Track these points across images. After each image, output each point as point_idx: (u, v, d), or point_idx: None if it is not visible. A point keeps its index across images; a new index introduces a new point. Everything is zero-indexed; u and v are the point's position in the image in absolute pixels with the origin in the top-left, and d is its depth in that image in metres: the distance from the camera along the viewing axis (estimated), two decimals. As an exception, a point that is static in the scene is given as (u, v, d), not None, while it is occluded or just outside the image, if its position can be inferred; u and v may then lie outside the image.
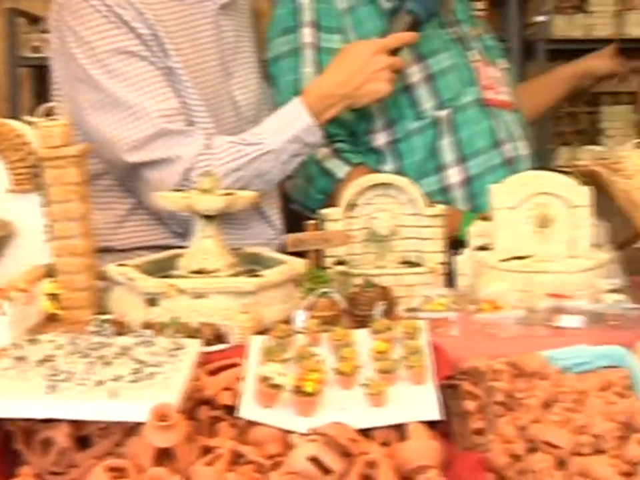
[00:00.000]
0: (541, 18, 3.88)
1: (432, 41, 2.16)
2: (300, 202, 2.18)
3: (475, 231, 1.69)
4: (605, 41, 3.97)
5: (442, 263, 1.69)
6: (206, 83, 1.97)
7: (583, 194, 1.61)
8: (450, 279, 1.71)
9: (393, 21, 2.01)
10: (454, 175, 2.14)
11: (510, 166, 2.16)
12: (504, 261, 1.59)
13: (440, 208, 1.69)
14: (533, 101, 2.48)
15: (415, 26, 1.99)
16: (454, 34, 2.24)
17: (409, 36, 1.98)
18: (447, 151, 2.14)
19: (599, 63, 2.60)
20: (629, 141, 3.79)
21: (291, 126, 1.88)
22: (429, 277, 1.66)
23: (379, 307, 1.43)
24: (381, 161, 2.15)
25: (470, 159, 2.14)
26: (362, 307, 1.49)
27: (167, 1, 1.92)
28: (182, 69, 1.90)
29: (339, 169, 2.08)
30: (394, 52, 1.96)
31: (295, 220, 2.03)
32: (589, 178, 1.64)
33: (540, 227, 1.62)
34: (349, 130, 2.15)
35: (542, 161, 3.52)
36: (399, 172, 2.11)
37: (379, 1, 2.16)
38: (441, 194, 2.12)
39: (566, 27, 3.94)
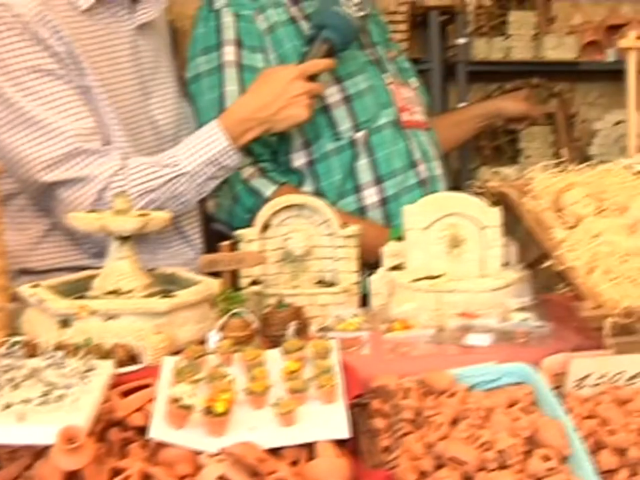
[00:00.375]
0: (461, 41, 3.94)
1: (350, 63, 2.20)
2: (224, 221, 2.19)
3: (389, 251, 1.72)
4: (524, 64, 4.10)
5: (356, 283, 1.71)
6: (123, 102, 1.97)
7: (493, 215, 1.65)
8: (365, 298, 1.74)
9: (310, 47, 2.04)
10: (371, 196, 2.18)
11: (425, 186, 2.21)
12: (415, 280, 1.62)
13: (353, 228, 1.72)
14: (443, 136, 2.53)
15: (331, 53, 2.03)
16: (371, 56, 2.29)
17: (326, 63, 2.02)
18: (364, 171, 2.18)
19: (512, 105, 2.68)
20: (546, 161, 3.87)
21: (207, 148, 1.90)
22: (343, 296, 1.68)
23: (292, 327, 1.45)
24: (300, 182, 2.17)
25: (386, 180, 2.18)
26: (275, 327, 1.51)
27: (83, 20, 1.92)
28: (98, 88, 1.90)
29: (266, 187, 2.11)
30: (312, 77, 2.00)
31: (219, 239, 2.04)
32: (499, 199, 1.68)
33: (451, 247, 1.66)
34: (272, 150, 2.18)
35: (462, 180, 3.60)
36: (318, 192, 2.14)
37: (299, 23, 2.19)
38: (359, 214, 2.15)
39: (486, 49, 4.01)
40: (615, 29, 4.27)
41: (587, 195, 1.62)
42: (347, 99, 2.18)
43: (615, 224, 1.56)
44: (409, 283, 1.61)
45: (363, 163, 2.18)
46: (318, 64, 2.00)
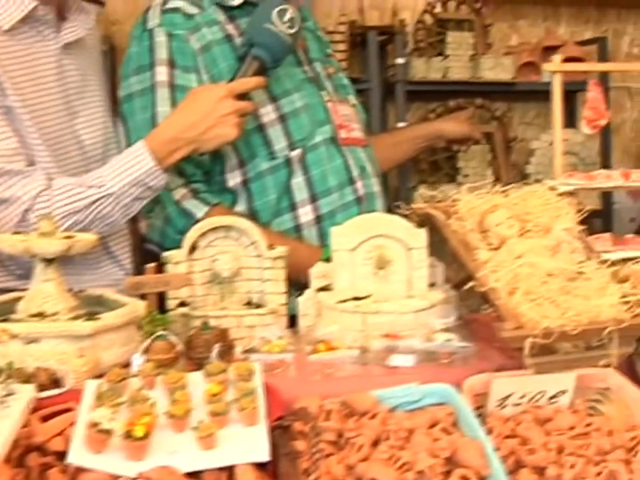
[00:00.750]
0: (400, 60, 3.99)
1: (285, 81, 2.21)
2: (157, 242, 2.18)
3: (316, 272, 1.74)
4: (461, 83, 4.15)
5: (284, 304, 1.72)
6: (48, 122, 1.96)
7: (419, 236, 1.68)
8: (295, 318, 1.75)
9: (240, 65, 2.04)
10: (306, 214, 2.19)
11: (363, 203, 2.23)
12: (342, 302, 1.64)
13: (281, 250, 1.73)
14: (382, 155, 2.55)
15: (262, 70, 2.04)
16: (308, 73, 2.30)
17: (256, 81, 2.01)
18: (299, 189, 2.19)
19: (453, 126, 2.72)
20: (483, 180, 3.92)
21: (133, 169, 1.89)
22: (271, 318, 1.69)
23: (216, 350, 1.45)
24: (235, 201, 2.18)
25: (321, 198, 2.19)
26: (199, 350, 1.51)
27: (5, 40, 1.91)
28: (21, 108, 1.89)
29: (198, 208, 2.11)
30: (243, 96, 2.00)
31: (152, 260, 2.03)
32: (425, 220, 1.70)
33: (378, 268, 1.68)
34: (205, 170, 2.18)
35: (401, 198, 3.62)
36: (252, 212, 2.15)
37: (235, 41, 2.19)
38: (295, 232, 2.17)
39: (424, 69, 4.06)
40: (551, 50, 4.35)
41: (511, 216, 1.65)
42: (282, 118, 2.19)
43: (537, 245, 1.59)
44: (335, 304, 1.63)
45: (298, 181, 2.19)
46: (247, 82, 2.00)
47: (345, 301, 1.65)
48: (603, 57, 4.32)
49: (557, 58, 1.90)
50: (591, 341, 1.47)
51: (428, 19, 4.24)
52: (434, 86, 4.14)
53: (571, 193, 1.79)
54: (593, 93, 1.89)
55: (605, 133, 4.30)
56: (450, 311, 1.66)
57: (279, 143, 2.18)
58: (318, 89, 2.30)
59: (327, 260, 1.73)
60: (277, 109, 2.19)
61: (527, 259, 1.53)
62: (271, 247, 1.73)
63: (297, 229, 2.18)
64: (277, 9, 2.04)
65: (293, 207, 2.20)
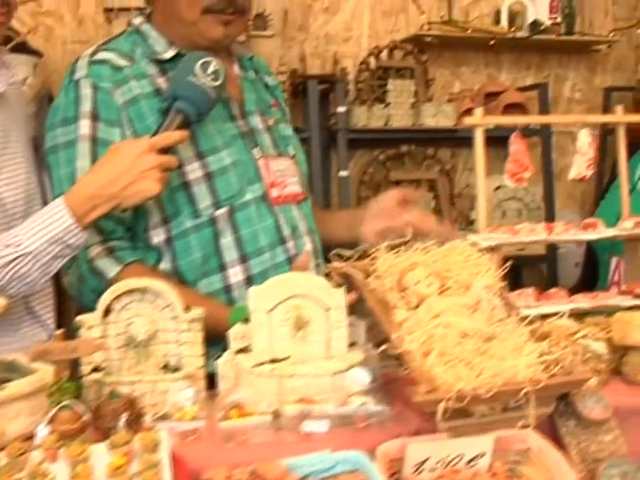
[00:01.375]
0: (341, 109, 4.00)
1: (214, 136, 2.18)
2: (77, 299, 2.14)
3: (235, 333, 1.71)
4: (403, 131, 4.18)
5: (201, 367, 1.69)
6: None
7: (337, 296, 1.65)
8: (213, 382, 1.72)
9: (164, 119, 2.02)
10: (236, 274, 2.15)
11: (294, 263, 2.18)
12: (258, 364, 1.61)
13: (197, 312, 1.70)
14: (326, 231, 2.47)
15: (186, 124, 2.01)
16: (241, 127, 2.26)
17: (179, 135, 1.98)
18: (229, 249, 2.15)
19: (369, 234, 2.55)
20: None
21: (51, 227, 1.85)
22: (188, 382, 1.65)
23: (123, 419, 1.41)
24: (160, 259, 2.14)
25: (251, 258, 2.16)
26: (107, 419, 1.47)
27: None
28: None
29: (110, 268, 2.06)
30: (166, 150, 1.97)
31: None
32: (344, 279, 1.69)
33: (296, 329, 1.65)
34: (127, 226, 2.15)
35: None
36: (177, 271, 2.12)
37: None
38: (224, 293, 2.13)
39: (366, 117, 4.08)
40: (493, 96, 4.40)
41: (430, 273, 1.63)
42: (209, 176, 2.15)
43: (456, 303, 1.58)
44: (251, 367, 1.60)
45: (227, 241, 2.16)
46: (170, 136, 1.97)
47: (262, 363, 1.62)
48: (544, 102, 4.38)
49: (478, 112, 1.90)
50: (508, 403, 1.45)
51: (369, 67, 4.27)
52: (376, 134, 4.16)
53: (493, 248, 1.78)
54: (515, 146, 1.89)
55: (549, 178, 4.34)
56: (370, 371, 1.63)
57: (204, 201, 2.14)
58: (250, 145, 2.26)
59: (247, 320, 1.70)
60: (204, 166, 2.15)
61: (444, 319, 1.51)
62: (187, 309, 1.70)
63: (227, 289, 2.15)
64: (200, 62, 2.02)
65: (222, 268, 2.16)
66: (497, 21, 4.52)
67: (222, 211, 2.15)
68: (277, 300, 1.66)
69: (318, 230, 2.40)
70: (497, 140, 4.10)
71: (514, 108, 4.32)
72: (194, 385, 1.66)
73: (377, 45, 4.33)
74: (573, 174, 1.95)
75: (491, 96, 4.42)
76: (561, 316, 1.73)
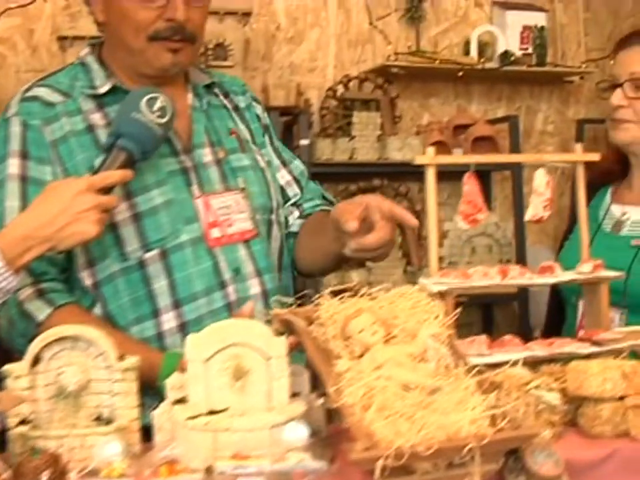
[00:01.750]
0: (304, 141, 4.00)
1: (146, 175, 2.12)
2: (8, 344, 2.10)
3: (172, 383, 1.67)
4: (368, 165, 4.17)
5: (135, 419, 1.65)
6: None
7: (278, 344, 1.62)
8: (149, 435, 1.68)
9: (106, 157, 1.99)
10: (169, 321, 2.10)
11: (235, 309, 2.12)
12: (195, 417, 1.57)
13: (132, 361, 1.66)
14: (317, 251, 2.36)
15: (129, 163, 1.98)
16: (184, 163, 2.20)
17: (121, 174, 1.95)
18: (162, 294, 2.11)
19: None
20: (394, 264, 3.86)
21: None
22: (120, 435, 1.62)
23: (45, 477, 1.37)
24: (93, 302, 2.11)
25: (185, 304, 2.11)
26: (28, 477, 1.43)
27: None
28: None
29: (40, 311, 2.02)
30: (107, 190, 1.94)
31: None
32: (285, 327, 1.66)
33: (235, 379, 1.62)
34: (61, 267, 2.11)
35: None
36: (108, 315, 2.08)
37: (97, 132, 2.14)
38: (157, 341, 2.09)
39: (330, 150, 4.07)
40: (463, 129, 4.41)
41: (375, 321, 1.60)
42: (137, 217, 2.10)
43: (401, 353, 1.55)
44: (185, 420, 1.56)
45: (160, 285, 2.11)
46: (111, 175, 1.93)
47: (198, 415, 1.58)
48: (515, 135, 4.39)
49: (430, 150, 1.88)
50: (452, 459, 1.42)
51: (334, 99, 4.27)
52: (340, 167, 4.16)
53: (443, 294, 1.75)
54: (469, 186, 1.87)
55: (520, 213, 4.34)
56: (312, 424, 1.60)
57: (132, 244, 2.10)
58: (188, 183, 2.18)
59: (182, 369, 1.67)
60: (132, 206, 2.10)
61: (385, 370, 1.48)
62: (121, 357, 1.67)
63: (160, 336, 2.10)
64: (146, 97, 2.00)
65: (155, 314, 2.12)
66: (467, 52, 4.54)
67: (152, 253, 2.10)
68: (215, 348, 1.63)
69: (276, 267, 2.32)
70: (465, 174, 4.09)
71: (483, 141, 4.33)
72: (127, 439, 1.62)
73: (347, 74, 4.34)
74: (528, 215, 1.93)
75: (460, 128, 4.43)
76: (514, 365, 1.70)
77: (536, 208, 1.92)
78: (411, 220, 1.94)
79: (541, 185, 1.91)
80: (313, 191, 2.54)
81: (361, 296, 1.69)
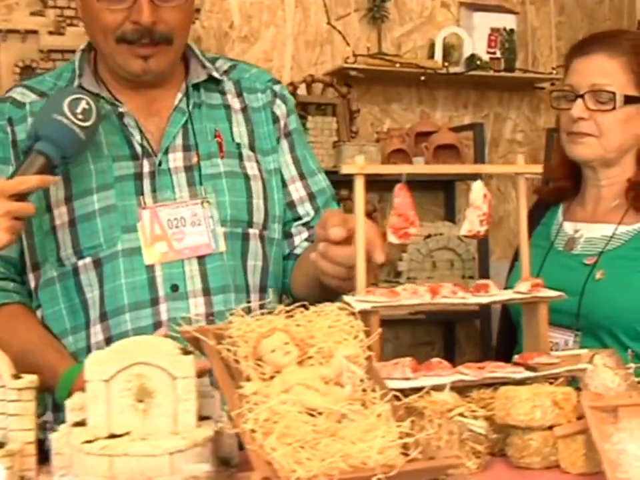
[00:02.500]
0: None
1: (89, 178, 2.13)
2: None
3: (72, 404, 1.65)
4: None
5: (31, 443, 1.63)
6: None
7: (186, 364, 1.60)
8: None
9: (23, 161, 1.98)
10: (96, 334, 2.11)
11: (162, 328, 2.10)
12: (92, 441, 1.55)
13: (29, 379, 1.64)
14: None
15: (48, 168, 1.97)
16: (136, 168, 2.16)
17: (37, 180, 1.94)
18: (93, 305, 2.11)
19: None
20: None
21: None
22: (13, 458, 1.59)
23: None
24: (37, 307, 2.17)
25: (111, 317, 2.10)
26: None
27: None
28: None
29: None
30: (24, 195, 1.93)
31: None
32: (195, 345, 1.64)
33: (138, 401, 1.60)
34: (17, 268, 2.18)
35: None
36: (44, 320, 2.14)
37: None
38: (86, 354, 2.07)
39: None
40: (425, 136, 4.41)
41: (289, 341, 1.59)
42: (73, 222, 2.11)
43: (314, 375, 1.54)
44: (80, 444, 1.54)
45: (92, 295, 2.11)
46: (25, 182, 1.93)
47: (97, 439, 1.56)
48: (480, 143, 4.39)
49: (359, 159, 1.87)
50: (360, 490, 1.41)
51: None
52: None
53: (366, 313, 1.74)
54: (400, 198, 1.86)
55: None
56: (223, 449, 1.58)
57: (66, 249, 2.11)
58: (139, 190, 2.15)
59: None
60: (70, 210, 2.11)
61: (293, 394, 1.47)
62: (16, 376, 1.64)
63: (89, 349, 2.10)
64: (69, 98, 1.99)
65: (87, 325, 2.13)
66: (432, 55, 4.54)
67: (85, 261, 2.11)
68: (117, 367, 1.60)
69: (246, 287, 2.23)
70: (428, 184, 4.13)
71: (447, 150, 4.33)
72: (21, 463, 1.60)
73: (304, 78, 4.33)
74: (464, 230, 1.92)
75: (422, 136, 4.43)
76: (441, 390, 1.69)
77: (472, 223, 1.90)
78: (379, 257, 1.88)
79: (477, 199, 1.90)
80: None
81: (278, 314, 1.67)
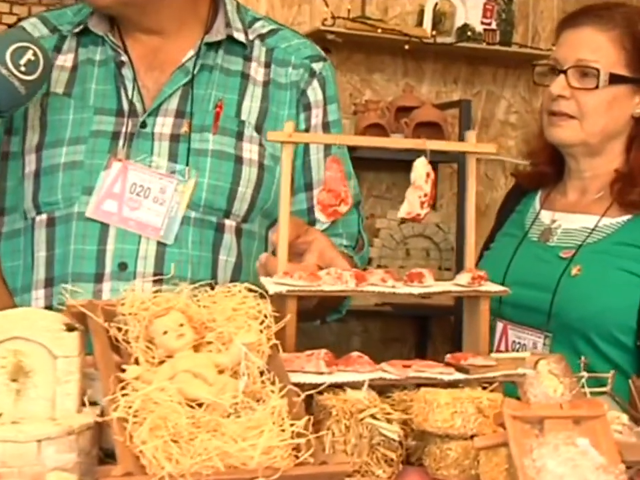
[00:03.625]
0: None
1: (64, 129, 2.11)
2: None
3: (-59, 380, 1.60)
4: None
5: None
6: None
7: (69, 341, 1.56)
8: None
9: None
10: (38, 299, 2.07)
11: None
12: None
13: None
14: None
15: None
16: (117, 126, 2.11)
17: None
18: (39, 267, 2.08)
19: None
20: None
21: None
22: None
23: None
24: None
25: (57, 284, 2.06)
26: None
27: None
28: None
29: None
30: None
31: None
32: (82, 322, 1.59)
33: (12, 380, 1.56)
34: None
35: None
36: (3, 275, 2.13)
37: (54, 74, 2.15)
38: None
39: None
40: (407, 112, 4.36)
41: (184, 322, 1.54)
42: (38, 172, 2.10)
43: (206, 363, 1.49)
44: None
45: (39, 257, 2.09)
46: None
47: (-40, 420, 1.52)
48: (465, 122, 4.34)
49: (289, 125, 1.81)
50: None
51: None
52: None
53: (282, 296, 1.69)
54: (331, 172, 1.81)
55: (463, 214, 4.29)
56: (108, 439, 1.54)
57: (28, 201, 2.09)
58: (112, 150, 2.10)
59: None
60: (38, 159, 2.10)
61: (176, 382, 1.42)
62: None
63: None
64: (13, 47, 1.92)
65: (33, 286, 2.10)
66: (421, 22, 4.49)
67: (42, 217, 2.09)
68: (-9, 341, 1.56)
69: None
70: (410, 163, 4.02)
71: (429, 127, 4.28)
72: None
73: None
74: (402, 212, 1.87)
75: (404, 111, 4.38)
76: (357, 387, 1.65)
77: (411, 204, 1.85)
78: None
79: (419, 177, 1.85)
80: (347, 226, 2.35)
81: (180, 291, 1.63)
